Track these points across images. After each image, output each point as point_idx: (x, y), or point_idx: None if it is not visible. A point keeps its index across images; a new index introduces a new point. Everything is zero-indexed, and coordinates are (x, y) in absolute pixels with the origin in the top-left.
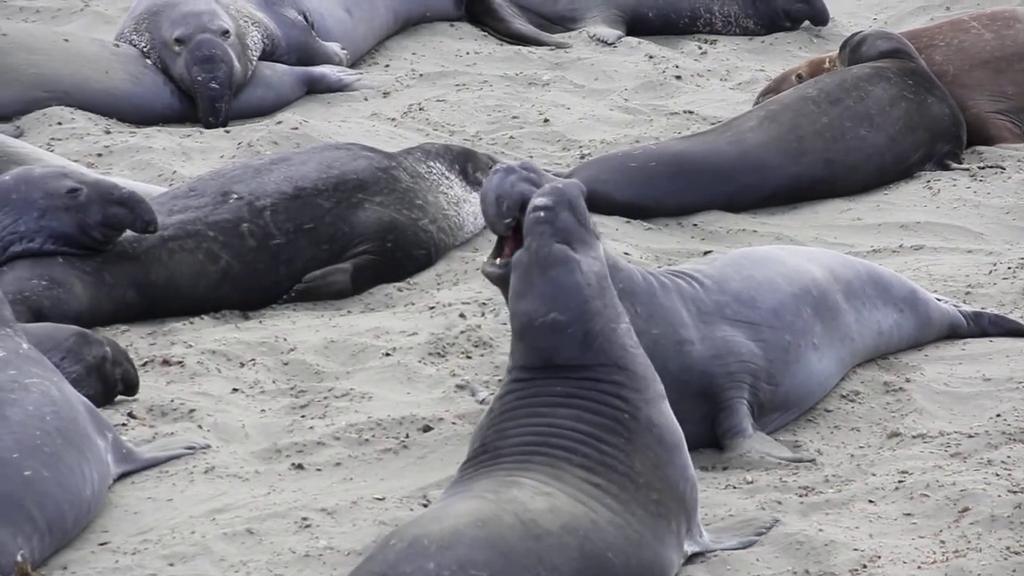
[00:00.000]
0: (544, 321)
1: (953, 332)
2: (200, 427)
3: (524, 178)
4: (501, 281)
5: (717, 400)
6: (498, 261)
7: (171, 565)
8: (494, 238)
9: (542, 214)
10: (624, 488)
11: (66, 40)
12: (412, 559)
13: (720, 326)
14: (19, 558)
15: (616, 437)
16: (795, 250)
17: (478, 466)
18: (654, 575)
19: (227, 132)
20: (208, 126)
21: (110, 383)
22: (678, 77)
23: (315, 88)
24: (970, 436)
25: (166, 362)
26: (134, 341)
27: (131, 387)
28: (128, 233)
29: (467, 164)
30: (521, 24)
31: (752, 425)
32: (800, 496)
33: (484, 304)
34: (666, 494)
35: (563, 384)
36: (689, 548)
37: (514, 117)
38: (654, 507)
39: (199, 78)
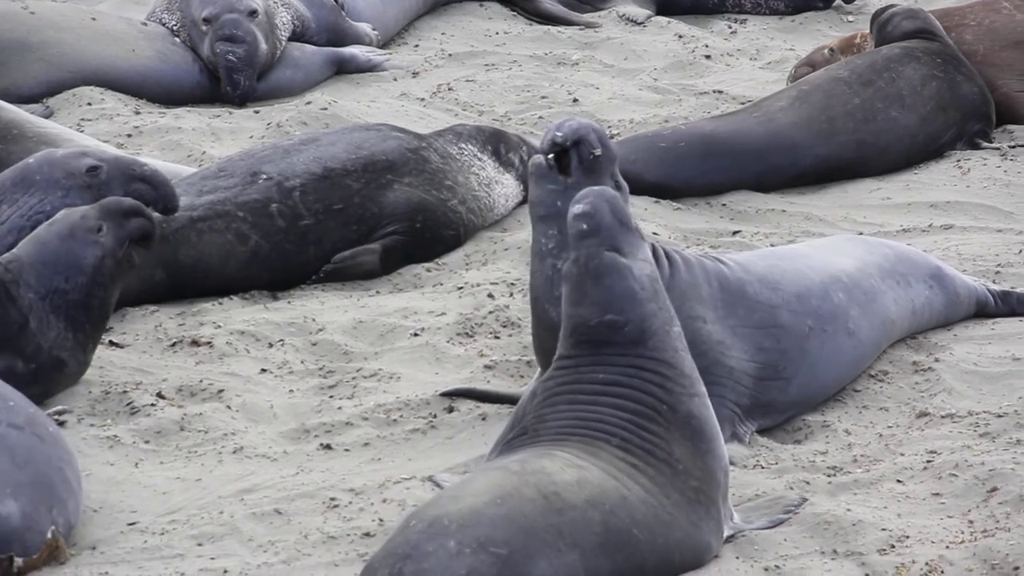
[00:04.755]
0: (601, 321)
1: (980, 310)
2: (228, 407)
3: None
4: (536, 175)
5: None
6: (549, 157)
7: (199, 545)
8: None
9: (584, 226)
10: (661, 472)
11: (93, 18)
12: (433, 538)
13: (734, 314)
14: (49, 535)
15: (655, 425)
16: (820, 245)
17: (515, 446)
18: (684, 556)
19: (256, 113)
20: (228, 97)
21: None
22: (708, 56)
23: (344, 68)
24: (999, 416)
25: (195, 342)
26: (163, 322)
27: (148, 236)
28: (156, 214)
29: (499, 145)
30: (550, 4)
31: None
32: (828, 476)
33: (513, 284)
34: (706, 483)
35: (606, 371)
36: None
37: (543, 97)
38: (693, 494)
39: (218, 51)
